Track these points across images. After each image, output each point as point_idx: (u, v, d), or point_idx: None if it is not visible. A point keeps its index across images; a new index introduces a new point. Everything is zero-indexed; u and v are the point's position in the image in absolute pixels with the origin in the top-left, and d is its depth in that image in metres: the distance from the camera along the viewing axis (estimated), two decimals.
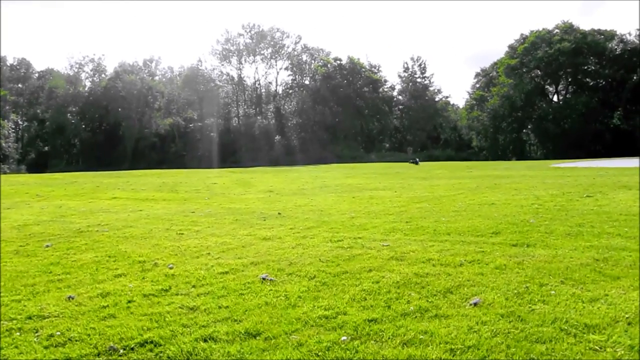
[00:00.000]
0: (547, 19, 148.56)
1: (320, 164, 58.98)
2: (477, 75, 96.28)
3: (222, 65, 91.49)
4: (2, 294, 5.94)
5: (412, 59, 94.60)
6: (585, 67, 77.77)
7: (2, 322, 4.98)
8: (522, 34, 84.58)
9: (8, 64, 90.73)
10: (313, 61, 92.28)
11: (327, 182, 25.20)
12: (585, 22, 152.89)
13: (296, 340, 4.35)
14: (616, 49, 76.68)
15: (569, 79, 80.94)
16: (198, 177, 33.29)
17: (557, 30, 79.44)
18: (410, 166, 44.55)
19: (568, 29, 78.50)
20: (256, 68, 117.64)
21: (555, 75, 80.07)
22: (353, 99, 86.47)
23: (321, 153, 72.73)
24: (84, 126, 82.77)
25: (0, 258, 7.98)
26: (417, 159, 45.29)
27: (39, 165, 74.20)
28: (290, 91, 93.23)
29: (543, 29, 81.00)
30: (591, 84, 78.69)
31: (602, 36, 77.38)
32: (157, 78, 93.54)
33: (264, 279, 6.28)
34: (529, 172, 28.97)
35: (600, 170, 27.75)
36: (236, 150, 79.07)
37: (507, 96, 79.10)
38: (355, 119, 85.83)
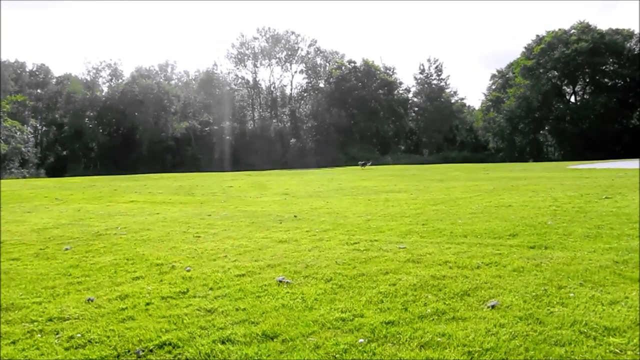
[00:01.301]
0: (563, 19, 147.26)
1: (337, 167, 58.96)
2: (493, 76, 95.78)
3: (238, 68, 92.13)
4: (23, 297, 6.03)
5: (428, 60, 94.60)
6: (603, 67, 76.84)
7: (23, 324, 5.06)
8: (538, 35, 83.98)
9: (27, 70, 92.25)
10: (327, 64, 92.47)
11: (343, 184, 25.19)
12: (603, 22, 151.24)
13: (313, 342, 4.36)
14: (634, 48, 75.66)
15: (587, 79, 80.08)
16: (214, 180, 33.47)
17: (573, 30, 78.68)
18: (424, 168, 44.45)
19: (585, 28, 77.71)
20: (271, 71, 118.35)
21: (572, 75, 79.26)
22: (368, 101, 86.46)
23: (336, 155, 72.74)
24: (101, 130, 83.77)
25: None
26: (367, 162, 45.23)
27: (57, 169, 75.23)
28: (305, 94, 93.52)
29: (559, 29, 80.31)
30: (609, 84, 77.69)
31: (620, 36, 76.42)
32: (173, 82, 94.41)
33: (280, 281, 6.30)
34: (546, 173, 28.71)
35: (619, 171, 27.41)
36: (251, 153, 79.35)
37: (524, 97, 78.49)
38: (370, 121, 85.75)
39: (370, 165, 43.74)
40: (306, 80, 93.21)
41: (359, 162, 44.98)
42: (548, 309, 4.94)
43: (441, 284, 5.94)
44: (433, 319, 4.81)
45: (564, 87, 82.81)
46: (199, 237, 10.00)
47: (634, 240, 7.99)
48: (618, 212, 11.28)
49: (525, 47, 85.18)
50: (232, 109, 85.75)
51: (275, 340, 4.46)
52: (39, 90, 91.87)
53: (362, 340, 4.36)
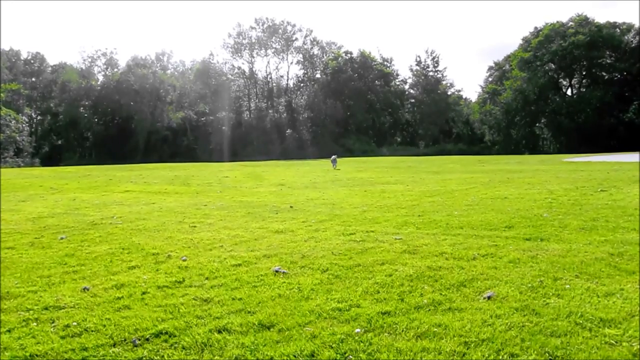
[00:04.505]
0: (562, 12, 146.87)
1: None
2: (490, 68, 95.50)
3: (234, 58, 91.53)
4: (18, 285, 6.01)
5: (425, 52, 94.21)
6: (600, 61, 76.84)
7: (18, 312, 5.05)
8: (536, 27, 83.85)
9: (22, 58, 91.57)
10: (324, 55, 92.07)
11: (339, 175, 25.19)
12: (602, 15, 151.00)
13: (310, 332, 4.36)
14: (632, 41, 75.65)
15: (584, 73, 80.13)
16: (210, 170, 33.41)
17: (571, 24, 78.59)
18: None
19: (583, 21, 77.62)
20: (268, 62, 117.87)
21: (569, 68, 79.28)
22: (364, 92, 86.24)
23: (333, 147, 72.64)
24: (96, 120, 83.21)
25: None
26: (335, 156, 35.04)
27: (52, 158, 74.85)
28: (302, 85, 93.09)
29: (557, 22, 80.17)
30: (606, 77, 77.75)
31: (618, 29, 76.39)
32: (169, 72, 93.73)
33: (276, 271, 6.30)
34: (542, 166, 28.77)
35: (614, 164, 27.49)
36: (248, 143, 79.11)
37: (521, 90, 78.48)
38: (366, 112, 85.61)
39: (334, 160, 34.16)
40: (303, 71, 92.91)
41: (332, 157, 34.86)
42: (544, 301, 4.96)
43: (437, 275, 5.95)
44: (429, 310, 4.82)
45: (561, 80, 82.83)
46: (194, 227, 9.99)
47: (629, 233, 8.02)
48: (613, 205, 11.32)
49: (523, 40, 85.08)
50: (229, 99, 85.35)
51: (271, 329, 4.46)
52: (33, 79, 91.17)
53: (358, 330, 4.37)
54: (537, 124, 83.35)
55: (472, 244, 7.57)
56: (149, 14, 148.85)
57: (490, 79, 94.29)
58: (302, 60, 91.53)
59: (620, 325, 4.34)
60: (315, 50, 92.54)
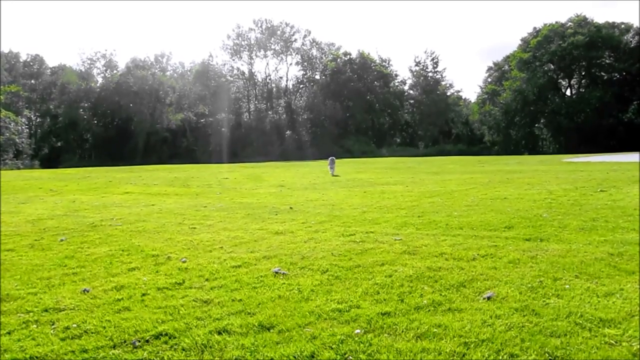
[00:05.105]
0: (560, 12, 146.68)
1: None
2: (489, 69, 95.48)
3: (233, 60, 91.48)
4: (18, 287, 6.01)
5: (425, 52, 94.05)
6: (600, 61, 76.83)
7: (18, 314, 5.05)
8: (535, 28, 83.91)
9: (21, 60, 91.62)
10: (323, 56, 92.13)
11: (339, 176, 25.19)
12: (601, 15, 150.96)
13: (310, 333, 4.37)
14: (631, 41, 75.70)
15: (583, 73, 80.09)
16: (209, 171, 33.39)
17: (570, 24, 78.64)
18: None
19: (582, 22, 77.68)
20: (267, 63, 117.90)
21: (568, 69, 79.25)
22: (364, 93, 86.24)
23: (332, 148, 72.63)
24: (96, 121, 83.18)
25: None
26: (332, 158, 29.73)
27: (52, 160, 74.81)
28: (301, 86, 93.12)
29: (556, 22, 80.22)
30: (605, 77, 77.73)
31: (617, 29, 76.44)
32: (168, 73, 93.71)
33: (276, 272, 6.30)
34: (542, 166, 28.77)
35: (614, 165, 27.50)
36: (247, 145, 79.11)
37: (520, 90, 78.45)
38: (366, 113, 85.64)
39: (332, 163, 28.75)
40: (302, 72, 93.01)
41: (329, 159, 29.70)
42: (544, 301, 4.97)
43: (437, 276, 5.95)
44: (429, 310, 4.82)
45: (560, 81, 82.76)
46: (194, 228, 9.99)
47: (628, 233, 8.03)
48: (613, 205, 11.33)
49: (522, 40, 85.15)
50: (228, 100, 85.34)
51: (271, 330, 4.46)
52: (33, 81, 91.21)
53: (358, 331, 4.37)
54: (537, 125, 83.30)
55: (472, 245, 7.58)
56: (148, 15, 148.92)
57: (489, 80, 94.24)
58: (301, 61, 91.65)
59: (620, 325, 4.34)
60: (314, 52, 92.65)
